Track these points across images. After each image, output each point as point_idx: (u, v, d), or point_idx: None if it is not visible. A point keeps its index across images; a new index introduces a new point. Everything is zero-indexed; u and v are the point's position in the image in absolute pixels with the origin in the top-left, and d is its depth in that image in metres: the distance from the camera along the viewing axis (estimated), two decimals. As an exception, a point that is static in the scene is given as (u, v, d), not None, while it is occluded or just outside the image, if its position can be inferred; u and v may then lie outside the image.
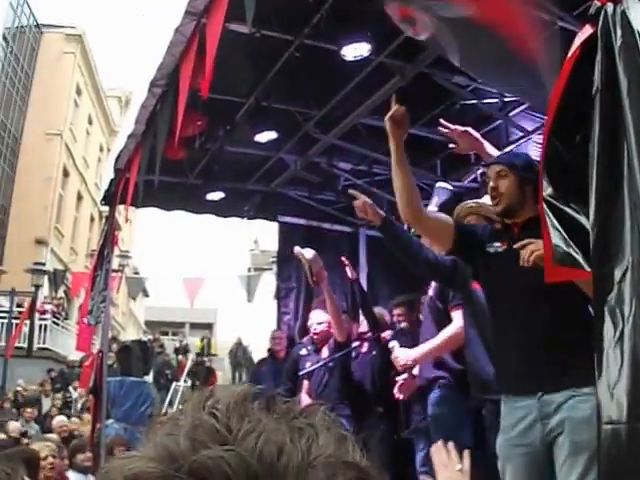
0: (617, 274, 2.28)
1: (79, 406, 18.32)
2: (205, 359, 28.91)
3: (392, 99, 4.46)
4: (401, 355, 6.13)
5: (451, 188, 6.26)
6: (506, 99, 8.95)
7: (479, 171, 9.92)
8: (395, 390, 6.48)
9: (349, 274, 7.92)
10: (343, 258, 8.08)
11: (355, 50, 7.32)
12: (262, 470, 0.69)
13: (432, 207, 6.07)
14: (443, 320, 6.01)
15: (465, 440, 5.45)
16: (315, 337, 8.18)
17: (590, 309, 3.45)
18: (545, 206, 2.68)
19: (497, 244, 4.23)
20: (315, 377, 7.87)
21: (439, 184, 6.68)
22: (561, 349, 3.83)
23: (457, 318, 5.78)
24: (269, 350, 10.63)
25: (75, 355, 20.74)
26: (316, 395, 7.77)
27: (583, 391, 3.67)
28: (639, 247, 2.24)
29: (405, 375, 6.33)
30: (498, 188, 4.20)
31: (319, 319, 8.25)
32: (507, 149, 9.75)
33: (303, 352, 8.95)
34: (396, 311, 7.80)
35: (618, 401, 2.17)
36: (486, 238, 4.33)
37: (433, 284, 6.21)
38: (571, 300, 3.61)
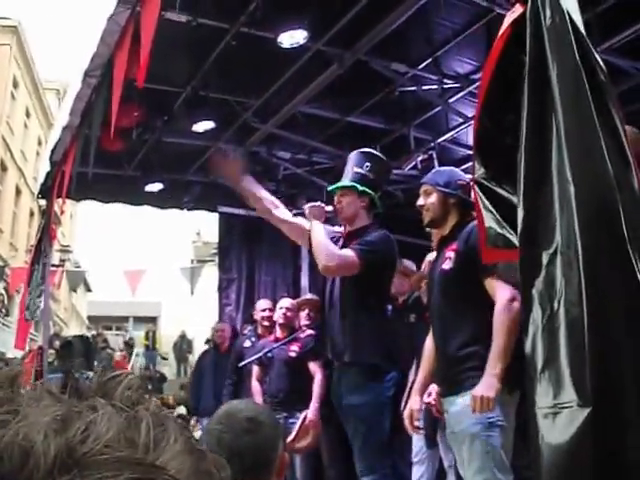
0: (545, 257, 2.26)
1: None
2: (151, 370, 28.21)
3: None
4: None
5: (377, 154, 5.89)
6: (445, 86, 8.97)
7: (419, 158, 9.96)
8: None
9: None
10: None
11: (292, 38, 7.27)
12: None
13: (362, 171, 5.73)
14: None
15: (383, 427, 5.34)
16: (281, 321, 7.89)
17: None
18: (477, 188, 2.67)
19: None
20: (275, 368, 7.73)
21: (363, 150, 6.12)
22: (450, 359, 4.37)
23: None
24: (211, 342, 10.57)
25: (14, 352, 20.43)
26: (274, 386, 7.67)
27: (460, 390, 4.26)
28: (568, 230, 2.22)
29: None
30: (425, 205, 4.76)
31: (287, 304, 8.04)
32: (446, 135, 9.84)
33: (247, 344, 8.90)
34: None
35: (547, 385, 2.17)
36: None
37: None
38: (462, 315, 4.34)
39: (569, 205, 2.22)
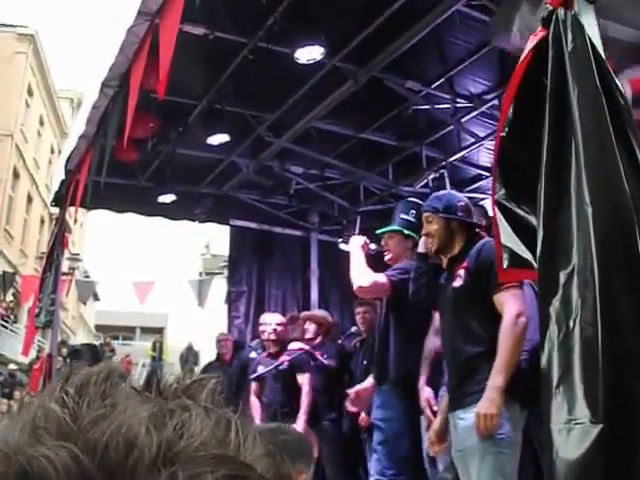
0: (563, 277, 2.30)
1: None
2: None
3: None
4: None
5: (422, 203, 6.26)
6: (458, 105, 9.01)
7: (430, 176, 9.99)
8: (347, 404, 6.69)
9: None
10: None
11: (309, 53, 7.30)
12: (100, 473, 0.55)
13: (409, 217, 6.08)
14: None
15: (405, 447, 5.52)
16: (272, 338, 8.01)
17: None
18: (496, 208, 2.70)
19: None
20: (268, 381, 7.81)
21: (410, 199, 6.68)
22: (458, 373, 4.48)
23: None
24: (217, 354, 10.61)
25: (24, 358, 20.49)
26: (267, 399, 7.75)
27: (469, 404, 4.28)
28: (584, 251, 2.26)
29: (358, 387, 6.41)
30: (429, 233, 4.87)
31: (278, 320, 8.16)
32: (458, 155, 9.87)
33: (252, 355, 8.93)
34: (358, 309, 7.84)
35: (561, 401, 2.20)
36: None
37: None
38: (471, 331, 4.40)
39: (586, 226, 2.26)
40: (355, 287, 5.81)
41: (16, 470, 0.55)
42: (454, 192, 5.55)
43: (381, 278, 5.77)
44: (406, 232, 6.07)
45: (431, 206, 4.94)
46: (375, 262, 6.09)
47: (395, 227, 6.16)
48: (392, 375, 5.74)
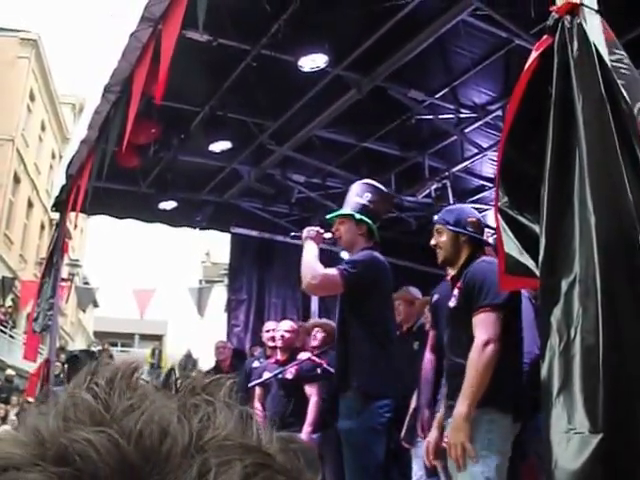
0: (565, 286, 2.30)
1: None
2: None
3: None
4: None
5: (378, 186, 5.91)
6: (462, 115, 8.99)
7: (433, 186, 9.96)
8: None
9: None
10: None
11: (312, 62, 7.30)
12: (138, 456, 0.57)
13: (363, 200, 5.74)
14: None
15: (374, 453, 5.28)
16: (279, 345, 7.95)
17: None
18: (500, 215, 2.69)
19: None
20: (273, 389, 7.77)
21: (365, 181, 6.14)
22: (452, 385, 4.50)
23: None
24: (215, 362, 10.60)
25: (22, 364, 20.44)
26: (271, 407, 7.69)
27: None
28: (586, 260, 2.26)
29: None
30: (438, 243, 4.86)
31: (288, 327, 8.10)
32: (461, 165, 9.86)
33: (255, 364, 8.90)
34: None
35: (561, 410, 2.19)
36: None
37: None
38: (463, 348, 4.38)
39: (589, 235, 2.25)
40: (304, 284, 5.42)
41: (54, 453, 0.56)
42: (467, 207, 5.46)
43: (332, 272, 5.32)
44: (357, 217, 5.53)
45: (442, 218, 4.92)
46: None
47: (346, 211, 5.62)
48: (353, 382, 5.30)
